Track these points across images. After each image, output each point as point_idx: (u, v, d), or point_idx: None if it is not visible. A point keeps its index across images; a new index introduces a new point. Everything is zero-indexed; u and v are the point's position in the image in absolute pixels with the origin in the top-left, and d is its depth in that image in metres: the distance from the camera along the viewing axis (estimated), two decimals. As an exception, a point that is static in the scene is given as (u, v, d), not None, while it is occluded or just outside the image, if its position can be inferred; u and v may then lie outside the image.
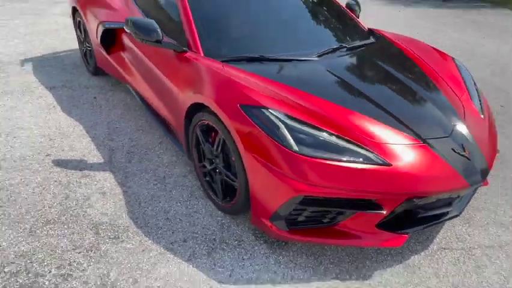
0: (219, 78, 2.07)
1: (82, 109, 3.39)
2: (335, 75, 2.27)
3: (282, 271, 1.89)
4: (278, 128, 1.73)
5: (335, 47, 2.61)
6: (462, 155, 1.89)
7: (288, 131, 1.72)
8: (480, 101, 2.43)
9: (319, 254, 1.99)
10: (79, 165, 2.62)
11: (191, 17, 2.45)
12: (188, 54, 2.33)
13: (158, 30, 2.31)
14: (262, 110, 1.79)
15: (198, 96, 2.11)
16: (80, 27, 4.01)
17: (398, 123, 1.94)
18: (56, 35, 5.36)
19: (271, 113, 1.78)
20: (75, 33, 4.33)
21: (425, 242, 2.11)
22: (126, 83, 3.38)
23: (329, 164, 1.68)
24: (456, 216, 2.03)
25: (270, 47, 2.45)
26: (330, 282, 1.85)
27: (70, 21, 5.42)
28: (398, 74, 2.44)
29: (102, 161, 2.69)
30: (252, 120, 1.78)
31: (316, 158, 1.68)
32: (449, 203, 1.94)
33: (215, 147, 2.11)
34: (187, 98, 2.22)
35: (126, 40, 3.06)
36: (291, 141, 1.71)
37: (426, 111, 2.16)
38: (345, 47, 2.64)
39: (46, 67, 4.26)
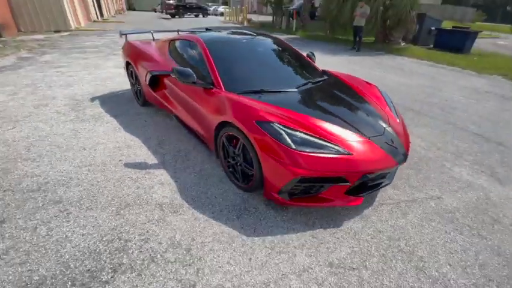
0: (239, 105, 2.05)
1: (137, 128, 3.27)
2: (309, 100, 2.30)
3: (286, 226, 1.90)
4: (281, 134, 1.75)
5: (305, 82, 2.63)
6: (392, 146, 1.97)
7: (288, 136, 1.75)
8: (396, 111, 2.52)
9: (308, 213, 2.02)
10: (143, 165, 2.53)
11: (214, 65, 2.43)
12: (214, 90, 2.31)
13: (194, 74, 2.28)
14: (271, 124, 1.81)
15: (225, 117, 2.08)
16: (132, 75, 3.87)
17: (352, 127, 2.00)
18: (112, 81, 5.14)
19: (276, 125, 1.79)
20: (127, 79, 4.17)
21: (371, 201, 2.16)
22: (167, 110, 3.30)
23: (314, 155, 1.71)
24: (388, 184, 2.10)
25: (266, 83, 2.44)
26: (317, 230, 1.88)
27: (121, 70, 5.24)
28: (345, 97, 2.48)
29: (157, 162, 2.60)
30: (264, 130, 1.79)
31: (306, 152, 1.71)
32: (384, 176, 2.00)
33: (236, 149, 2.09)
34: (216, 118, 2.19)
35: (168, 82, 2.98)
36: (290, 142, 1.73)
37: (366, 119, 2.20)
38: (311, 82, 2.66)
39: (109, 102, 4.07)
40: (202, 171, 2.49)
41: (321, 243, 1.77)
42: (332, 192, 1.82)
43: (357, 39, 9.32)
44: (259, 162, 1.86)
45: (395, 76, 6.38)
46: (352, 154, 1.76)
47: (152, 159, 2.63)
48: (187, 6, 26.02)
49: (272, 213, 2.01)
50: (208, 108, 2.31)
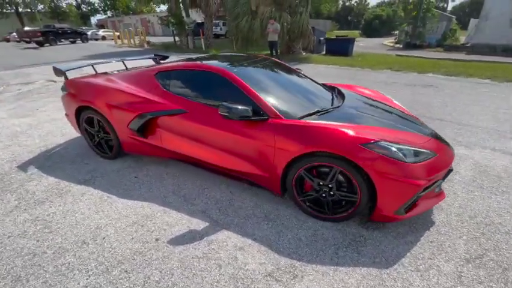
0: (327, 130, 1.84)
1: (135, 189, 2.46)
2: (362, 113, 2.31)
3: (402, 241, 1.86)
4: (392, 151, 1.71)
5: (337, 98, 2.58)
6: (441, 138, 2.23)
7: (398, 151, 1.72)
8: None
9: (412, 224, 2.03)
10: (193, 235, 1.92)
11: (258, 95, 2.12)
12: (271, 120, 2.01)
13: (249, 108, 1.94)
14: (377, 143, 1.73)
15: (304, 148, 1.84)
16: (91, 123, 2.91)
17: (412, 130, 2.15)
18: (25, 135, 3.70)
19: (383, 143, 1.73)
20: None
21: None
22: (167, 157, 2.66)
23: (423, 164, 1.76)
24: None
25: (309, 104, 2.31)
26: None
27: (26, 120, 3.87)
28: (383, 106, 2.56)
29: (205, 223, 2.03)
30: (374, 151, 1.69)
31: (418, 163, 1.73)
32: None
33: (328, 179, 1.88)
34: (287, 153, 1.91)
35: (178, 122, 2.37)
36: (402, 156, 1.71)
37: (412, 121, 2.33)
38: (340, 97, 2.58)
39: (55, 165, 2.91)
40: (268, 215, 2.12)
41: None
42: (428, 193, 1.89)
43: (274, 53, 10.21)
44: (369, 186, 1.75)
45: (323, 80, 7.31)
46: (437, 155, 1.89)
47: (195, 223, 2.05)
48: (59, 31, 21.78)
49: (309, 221, 1.95)
50: (268, 143, 1.99)
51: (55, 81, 7.34)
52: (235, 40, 12.02)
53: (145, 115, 2.44)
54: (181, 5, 14.30)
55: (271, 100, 2.14)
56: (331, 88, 2.90)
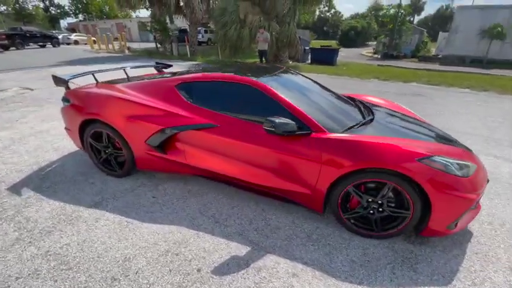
0: (381, 146, 1.77)
1: (156, 211, 2.23)
2: (397, 126, 2.30)
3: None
4: (448, 165, 1.69)
5: (367, 110, 2.53)
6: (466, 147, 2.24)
7: (452, 166, 1.70)
8: None
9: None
10: (238, 261, 1.75)
11: (297, 107, 2.03)
12: (316, 134, 1.92)
13: (294, 123, 1.83)
14: (433, 158, 1.69)
15: (362, 164, 1.76)
16: (99, 138, 2.64)
17: (447, 142, 2.16)
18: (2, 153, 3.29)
19: (438, 158, 1.71)
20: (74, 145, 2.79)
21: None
22: (187, 172, 2.46)
23: (474, 177, 1.76)
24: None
25: (345, 118, 2.25)
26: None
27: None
28: (408, 118, 2.58)
29: (247, 247, 1.87)
30: (432, 167, 1.66)
31: (469, 176, 1.73)
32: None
33: (379, 196, 1.82)
34: (336, 170, 1.82)
35: (207, 137, 2.18)
36: (455, 170, 1.70)
37: (441, 134, 2.35)
38: (370, 110, 2.55)
39: (58, 184, 2.59)
40: (311, 235, 2.01)
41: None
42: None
43: (264, 61, 10.26)
44: (420, 201, 1.71)
45: (319, 89, 7.43)
46: (476, 166, 1.90)
47: (235, 247, 1.88)
48: (27, 34, 20.29)
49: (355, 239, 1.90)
50: (312, 158, 1.88)
51: (32, 89, 6.73)
52: (223, 48, 11.93)
53: (169, 130, 2.24)
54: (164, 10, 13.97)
55: (309, 113, 2.05)
56: (350, 99, 2.88)
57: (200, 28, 22.60)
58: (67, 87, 2.70)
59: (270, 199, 2.32)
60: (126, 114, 2.37)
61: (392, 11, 16.62)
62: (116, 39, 18.67)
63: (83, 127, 2.62)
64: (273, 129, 1.83)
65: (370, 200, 1.87)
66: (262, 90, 2.11)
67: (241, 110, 2.19)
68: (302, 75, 3.01)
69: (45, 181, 2.67)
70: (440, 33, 19.09)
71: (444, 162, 1.69)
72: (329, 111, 2.32)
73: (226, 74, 2.33)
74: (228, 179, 2.29)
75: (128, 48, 17.12)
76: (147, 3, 15.39)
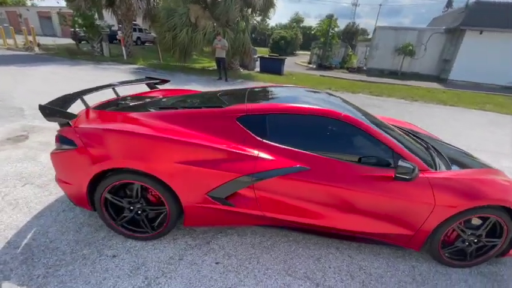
0: (489, 183, 1.85)
1: (236, 286, 1.73)
2: (456, 157, 2.38)
3: None
4: None
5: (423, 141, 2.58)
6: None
7: None
8: None
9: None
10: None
11: (397, 143, 1.89)
12: (423, 174, 1.80)
13: (417, 166, 1.70)
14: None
15: (478, 202, 1.76)
16: (121, 191, 1.93)
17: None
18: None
19: None
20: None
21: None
22: (252, 224, 2.01)
23: None
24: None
25: (425, 151, 2.27)
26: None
27: None
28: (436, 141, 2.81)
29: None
30: None
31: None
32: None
33: (482, 229, 1.91)
34: (450, 209, 1.77)
35: (293, 182, 1.79)
36: None
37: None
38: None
39: (59, 268, 1.71)
40: (415, 277, 1.91)
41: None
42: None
43: (223, 70, 9.82)
44: None
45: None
46: None
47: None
48: None
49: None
50: (423, 200, 1.77)
51: None
52: (173, 51, 10.85)
53: (248, 178, 1.75)
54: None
55: (416, 154, 1.96)
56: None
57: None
58: (67, 124, 1.84)
59: (347, 242, 2.12)
60: (176, 159, 1.76)
61: (324, 26, 18.48)
62: (20, 31, 14.65)
63: (96, 179, 1.83)
64: (408, 177, 1.66)
65: (469, 233, 1.89)
66: (353, 124, 1.88)
67: (327, 147, 1.92)
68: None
69: (32, 266, 1.74)
70: (359, 47, 22.34)
71: None
72: (412, 145, 2.19)
73: (302, 106, 1.99)
74: (312, 227, 1.97)
75: (39, 45, 13.66)
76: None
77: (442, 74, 15.40)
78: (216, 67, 12.49)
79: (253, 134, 1.89)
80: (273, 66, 13.35)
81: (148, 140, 1.78)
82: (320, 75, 14.53)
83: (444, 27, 15.45)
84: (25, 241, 1.94)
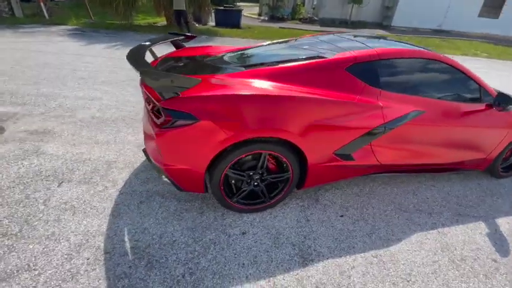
0: None
1: (393, 230, 1.84)
2: None
3: None
4: None
5: None
6: None
7: None
8: None
9: None
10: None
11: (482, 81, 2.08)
12: None
13: None
14: None
15: None
16: (243, 165, 1.71)
17: None
18: None
19: None
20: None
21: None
22: (360, 174, 2.07)
23: None
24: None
25: None
26: None
27: None
28: None
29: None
30: None
31: None
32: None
33: None
34: None
35: (409, 128, 1.86)
36: None
37: None
38: None
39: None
40: (484, 198, 2.32)
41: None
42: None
43: (184, 24, 8.65)
44: None
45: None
46: None
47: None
48: None
49: None
50: (505, 126, 2.13)
51: None
52: (113, 4, 8.94)
53: (381, 129, 1.74)
54: None
55: None
56: None
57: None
58: (176, 94, 1.43)
59: (432, 174, 2.42)
60: (312, 119, 1.62)
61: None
62: None
63: (218, 156, 1.58)
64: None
65: None
66: (454, 66, 1.99)
67: (433, 90, 2.00)
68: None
69: (165, 267, 1.51)
70: (306, -1, 22.00)
71: None
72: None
73: (411, 48, 1.98)
74: (413, 167, 2.14)
75: None
76: None
77: (385, 21, 16.56)
78: (166, 22, 11.01)
79: (365, 83, 1.82)
80: (230, 19, 12.34)
81: (283, 103, 1.55)
82: (280, 27, 14.11)
83: (385, -27, 16.12)
84: (128, 244, 1.63)
